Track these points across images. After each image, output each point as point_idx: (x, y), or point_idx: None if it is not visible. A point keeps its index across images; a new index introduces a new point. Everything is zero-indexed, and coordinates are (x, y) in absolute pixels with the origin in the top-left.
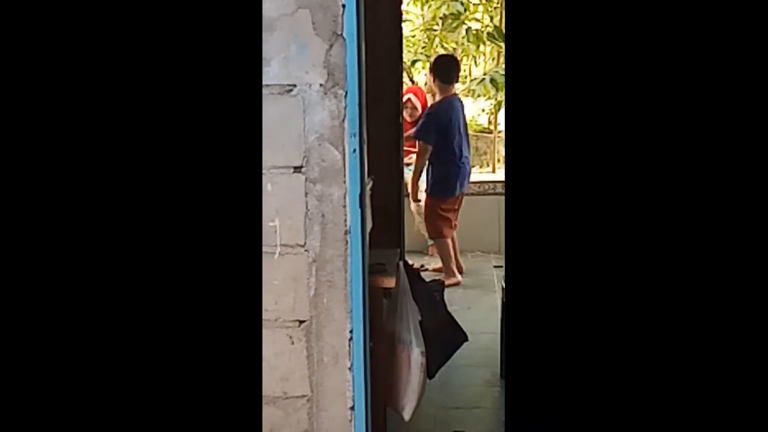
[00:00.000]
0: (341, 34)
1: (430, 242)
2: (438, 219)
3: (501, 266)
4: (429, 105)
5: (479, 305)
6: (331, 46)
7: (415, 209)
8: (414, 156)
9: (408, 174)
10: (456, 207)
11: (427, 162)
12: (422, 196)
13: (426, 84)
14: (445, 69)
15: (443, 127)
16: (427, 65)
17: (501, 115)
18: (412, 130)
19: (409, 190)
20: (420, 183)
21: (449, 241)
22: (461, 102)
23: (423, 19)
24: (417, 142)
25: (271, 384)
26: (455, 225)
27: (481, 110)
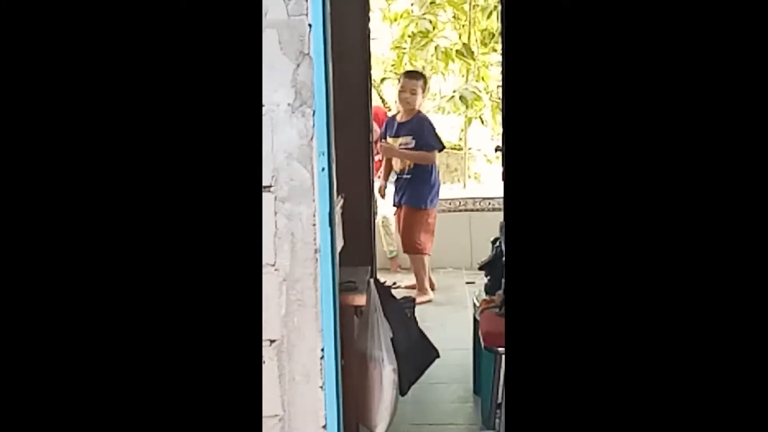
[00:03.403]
0: (308, 54)
1: (391, 254)
2: (422, 232)
3: (473, 282)
4: (414, 114)
5: (451, 322)
6: (298, 65)
7: (380, 221)
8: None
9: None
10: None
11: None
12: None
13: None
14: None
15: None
16: (397, 82)
17: (471, 132)
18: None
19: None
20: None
21: (426, 258)
22: None
23: (392, 37)
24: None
25: None
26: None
27: (451, 127)
